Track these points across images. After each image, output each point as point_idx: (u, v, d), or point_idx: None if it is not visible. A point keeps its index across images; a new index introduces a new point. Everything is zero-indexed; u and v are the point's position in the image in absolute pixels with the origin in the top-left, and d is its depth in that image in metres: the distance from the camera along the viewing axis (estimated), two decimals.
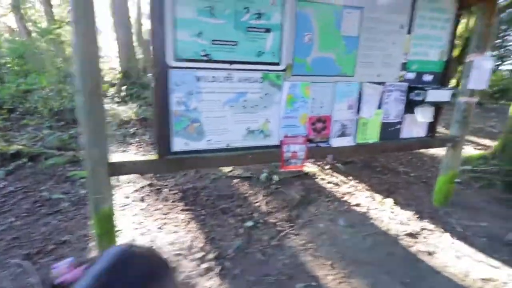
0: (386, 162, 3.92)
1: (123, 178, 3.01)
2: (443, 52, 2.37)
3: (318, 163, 3.67)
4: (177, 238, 2.17)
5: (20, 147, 3.22)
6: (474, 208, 2.88)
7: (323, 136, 2.21)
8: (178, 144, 1.81)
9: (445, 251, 2.26)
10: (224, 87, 1.82)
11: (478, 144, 5.19)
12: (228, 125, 1.90)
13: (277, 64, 1.90)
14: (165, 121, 1.73)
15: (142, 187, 2.88)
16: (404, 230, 2.46)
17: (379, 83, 2.24)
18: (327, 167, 3.58)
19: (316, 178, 3.29)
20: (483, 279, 1.99)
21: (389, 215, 2.66)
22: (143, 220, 2.38)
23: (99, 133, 1.58)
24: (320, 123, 2.17)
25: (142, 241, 2.11)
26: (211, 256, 2.03)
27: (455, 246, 2.32)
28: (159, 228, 2.28)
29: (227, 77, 1.81)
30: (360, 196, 2.97)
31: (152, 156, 1.74)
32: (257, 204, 2.73)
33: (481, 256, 2.22)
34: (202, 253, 2.04)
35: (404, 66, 2.28)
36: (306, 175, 3.34)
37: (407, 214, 2.69)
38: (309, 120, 2.12)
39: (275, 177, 3.17)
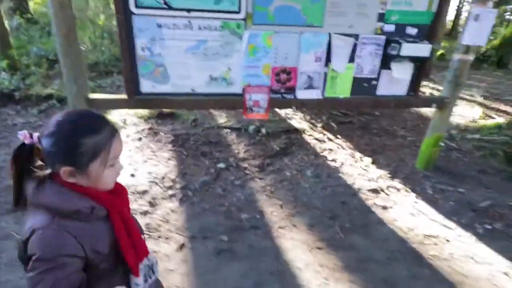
0: (387, 124, 3.80)
1: (129, 120, 3.45)
2: (432, 1, 2.17)
3: (312, 120, 3.71)
4: (156, 170, 2.55)
5: (52, 91, 3.81)
6: (462, 175, 2.77)
7: (289, 87, 2.29)
8: (146, 86, 2.07)
9: (402, 208, 2.30)
10: (185, 34, 1.98)
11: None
12: (191, 71, 2.09)
13: (237, 12, 1.98)
14: (133, 65, 1.98)
15: (143, 130, 3.29)
16: (369, 186, 2.52)
17: (352, 35, 2.18)
18: (320, 125, 3.61)
19: (305, 134, 3.39)
20: (426, 235, 2.04)
21: (361, 172, 2.72)
22: (134, 154, 2.79)
23: (76, 71, 1.89)
24: (285, 74, 2.24)
25: (127, 168, 2.52)
26: (178, 186, 2.37)
27: (416, 205, 2.35)
28: (144, 161, 2.67)
29: (187, 25, 1.96)
30: (340, 153, 3.03)
31: (124, 95, 2.03)
32: (236, 151, 2.97)
33: (439, 217, 2.23)
34: (171, 183, 2.39)
35: (382, 17, 2.17)
36: (296, 130, 3.45)
37: (380, 173, 2.72)
38: (273, 71, 2.20)
39: (263, 130, 3.34)
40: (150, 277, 0.80)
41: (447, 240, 2.00)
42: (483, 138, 3.29)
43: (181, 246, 1.82)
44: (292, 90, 2.30)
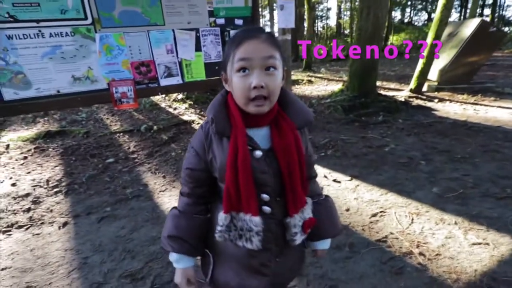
0: None
1: (12, 145, 3.38)
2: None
3: (202, 112, 4.21)
4: (40, 176, 2.64)
5: None
6: (312, 127, 3.56)
7: (151, 77, 2.71)
8: (8, 94, 2.23)
9: None
10: (38, 42, 2.24)
11: None
12: (52, 75, 2.34)
13: (84, 19, 2.33)
14: None
15: (28, 150, 3.28)
16: None
17: (192, 29, 2.74)
18: None
19: (194, 123, 3.84)
20: None
21: None
22: (17, 170, 2.81)
23: None
24: (144, 67, 2.66)
25: (7, 180, 2.56)
26: (64, 184, 2.53)
27: None
28: (28, 172, 2.73)
29: (38, 34, 2.23)
30: None
31: None
32: (127, 148, 3.23)
33: None
34: (56, 183, 2.53)
35: (213, 13, 2.79)
36: (186, 122, 3.87)
37: None
38: (132, 65, 2.60)
39: (155, 127, 3.67)
40: (241, 238, 0.67)
41: None
42: (332, 100, 4.24)
43: (64, 224, 2.02)
44: (155, 79, 2.72)
